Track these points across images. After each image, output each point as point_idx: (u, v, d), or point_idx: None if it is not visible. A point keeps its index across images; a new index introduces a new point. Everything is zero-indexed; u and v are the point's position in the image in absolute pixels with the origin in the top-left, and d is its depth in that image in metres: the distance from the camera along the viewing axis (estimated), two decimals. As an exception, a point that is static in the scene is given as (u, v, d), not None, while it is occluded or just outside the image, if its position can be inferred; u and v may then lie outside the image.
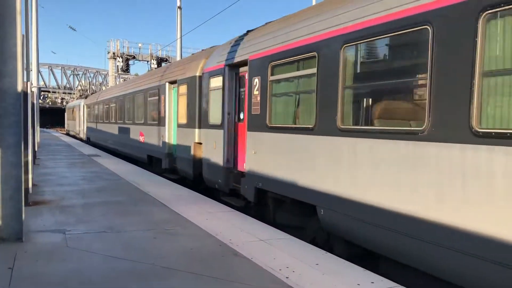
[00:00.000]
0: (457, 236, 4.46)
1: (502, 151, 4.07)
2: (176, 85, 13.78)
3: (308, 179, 6.95)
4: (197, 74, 11.92)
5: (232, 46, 10.26)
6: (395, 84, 5.57)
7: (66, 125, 58.16)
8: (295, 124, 7.57)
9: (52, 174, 13.33)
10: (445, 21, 4.69)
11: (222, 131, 10.18)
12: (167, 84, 14.44)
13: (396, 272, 5.54)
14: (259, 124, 8.51)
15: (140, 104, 17.85)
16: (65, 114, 59.07)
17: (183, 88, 12.94)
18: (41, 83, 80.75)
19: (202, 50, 14.16)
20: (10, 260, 5.26)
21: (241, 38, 10.13)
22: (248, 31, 10.17)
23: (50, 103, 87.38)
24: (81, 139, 37.76)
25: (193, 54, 16.12)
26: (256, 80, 8.62)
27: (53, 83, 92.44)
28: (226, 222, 7.41)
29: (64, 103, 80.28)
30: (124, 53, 48.89)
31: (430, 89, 4.83)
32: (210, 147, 10.88)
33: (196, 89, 11.91)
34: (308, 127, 6.96)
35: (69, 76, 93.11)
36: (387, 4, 5.49)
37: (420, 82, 5.18)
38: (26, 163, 8.08)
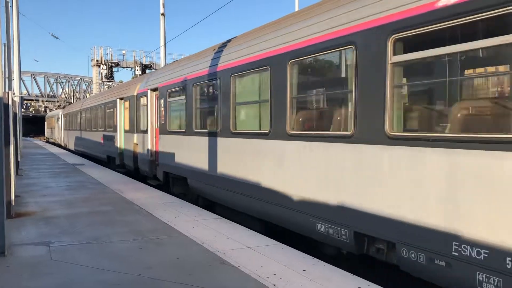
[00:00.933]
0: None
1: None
2: (123, 100, 18.23)
3: (183, 161, 11.48)
4: (135, 93, 16.39)
5: (153, 75, 14.79)
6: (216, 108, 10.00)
7: (46, 133, 62.01)
8: (180, 129, 12.07)
9: (35, 184, 13.28)
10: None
11: (147, 135, 14.66)
12: (118, 99, 18.87)
13: (383, 277, 6.17)
14: (164, 129, 13.00)
15: (102, 115, 22.25)
16: (45, 122, 62.83)
17: (127, 104, 17.41)
18: (24, 91, 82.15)
19: (145, 73, 18.62)
20: None
21: (157, 70, 14.64)
22: (166, 65, 14.69)
23: (33, 112, 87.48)
24: (59, 145, 41.77)
25: (139, 75, 20.47)
26: (162, 101, 13.12)
27: (36, 91, 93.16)
28: (213, 230, 7.49)
29: (48, 112, 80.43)
30: (108, 61, 49.12)
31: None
32: (141, 147, 15.35)
33: (134, 105, 16.36)
34: (183, 131, 11.47)
35: (53, 84, 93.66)
36: (207, 64, 10.06)
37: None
38: (8, 175, 7.97)
